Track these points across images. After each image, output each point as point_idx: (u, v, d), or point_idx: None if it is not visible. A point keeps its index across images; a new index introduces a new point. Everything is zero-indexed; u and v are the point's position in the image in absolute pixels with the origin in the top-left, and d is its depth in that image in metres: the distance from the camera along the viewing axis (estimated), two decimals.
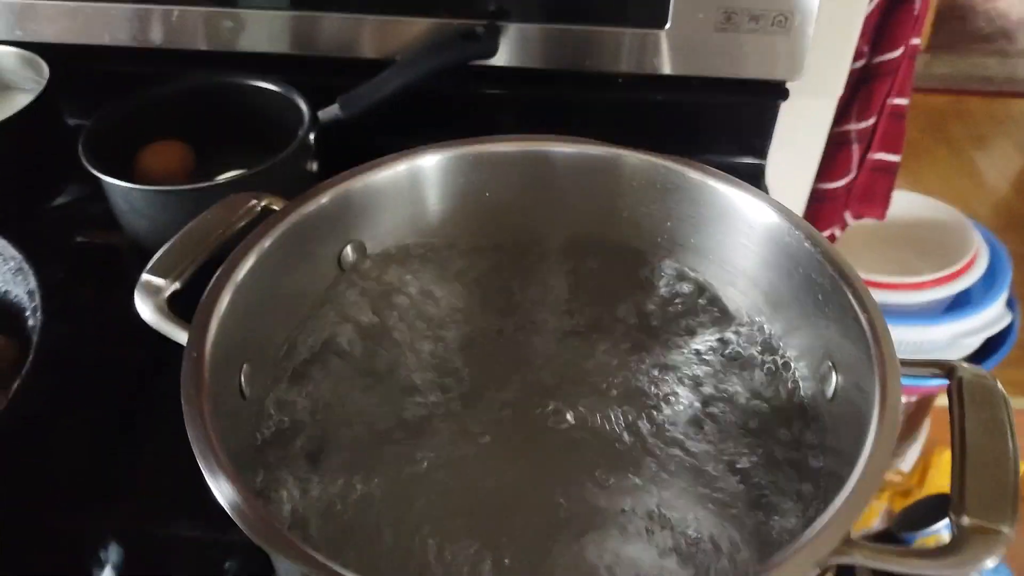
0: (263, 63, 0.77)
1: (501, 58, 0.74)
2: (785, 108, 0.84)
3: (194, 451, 0.31)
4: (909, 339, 1.28)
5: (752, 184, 0.44)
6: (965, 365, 0.35)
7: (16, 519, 0.54)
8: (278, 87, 0.74)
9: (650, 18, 0.70)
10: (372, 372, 0.46)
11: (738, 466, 0.40)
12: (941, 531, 1.01)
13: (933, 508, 1.06)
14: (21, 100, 0.74)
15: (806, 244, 0.40)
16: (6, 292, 0.63)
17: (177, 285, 0.39)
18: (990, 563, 0.28)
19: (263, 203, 0.44)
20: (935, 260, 1.31)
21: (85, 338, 0.66)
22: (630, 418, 0.44)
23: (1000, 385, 0.34)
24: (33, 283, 0.59)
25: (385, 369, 0.46)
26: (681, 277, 0.48)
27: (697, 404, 0.44)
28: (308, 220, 0.43)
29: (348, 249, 0.46)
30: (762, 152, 0.85)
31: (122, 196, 0.66)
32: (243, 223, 0.43)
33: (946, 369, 0.35)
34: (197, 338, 0.35)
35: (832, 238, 1.23)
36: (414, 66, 0.70)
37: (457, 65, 0.71)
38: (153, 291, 0.38)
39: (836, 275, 0.38)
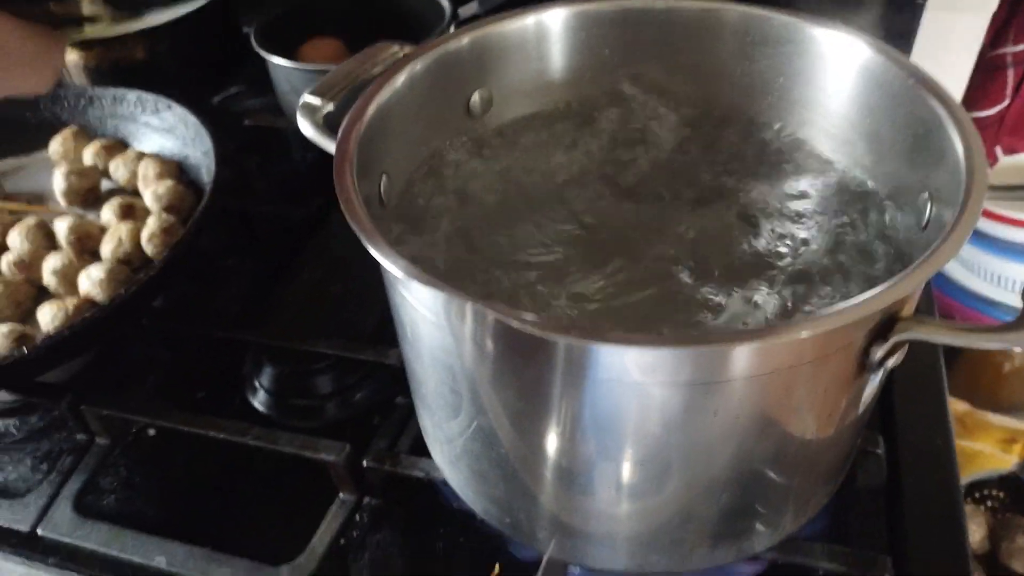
0: None
1: None
2: (931, 24, 0.81)
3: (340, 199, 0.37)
4: None
5: None
6: None
7: (188, 331, 0.64)
8: None
9: None
10: (494, 207, 0.50)
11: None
12: None
13: None
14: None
15: (910, 81, 0.41)
16: (186, 156, 0.72)
17: (330, 106, 0.45)
18: None
19: (405, 50, 0.49)
20: None
21: (250, 196, 0.76)
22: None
23: None
24: (208, 144, 0.68)
25: (503, 204, 0.50)
26: (784, 128, 0.50)
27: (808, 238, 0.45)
28: (447, 57, 0.48)
29: (477, 96, 0.51)
30: None
31: (286, 77, 0.75)
32: (386, 64, 0.48)
33: None
34: (346, 132, 0.41)
35: None
36: None
37: None
38: (311, 109, 0.45)
39: (937, 104, 0.39)
